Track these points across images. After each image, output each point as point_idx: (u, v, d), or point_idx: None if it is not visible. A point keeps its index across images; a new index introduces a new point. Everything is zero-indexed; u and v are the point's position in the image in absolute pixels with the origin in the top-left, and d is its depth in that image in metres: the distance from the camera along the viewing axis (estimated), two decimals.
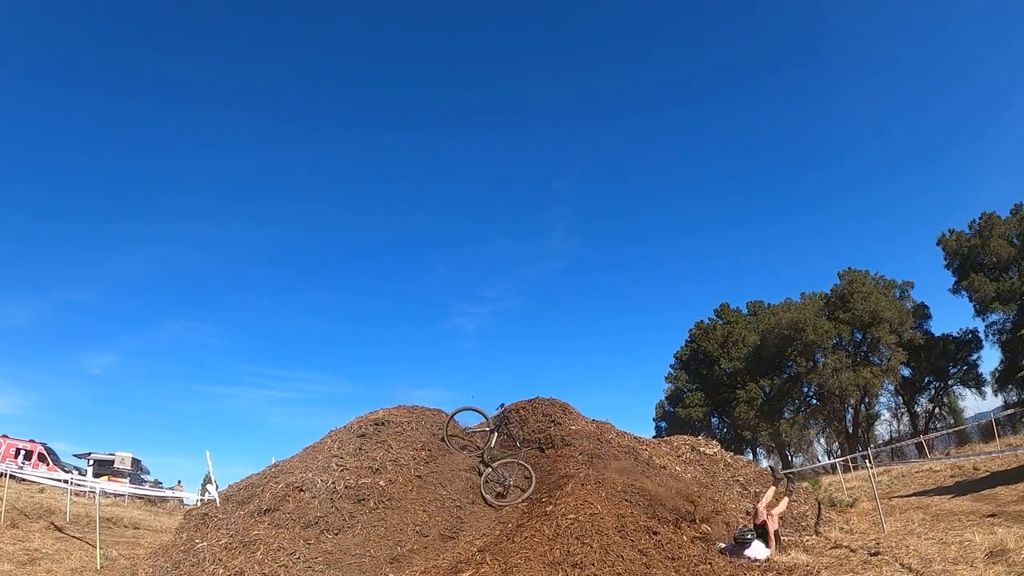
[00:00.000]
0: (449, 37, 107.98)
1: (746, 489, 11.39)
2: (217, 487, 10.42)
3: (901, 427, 40.03)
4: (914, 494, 14.06)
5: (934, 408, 38.82)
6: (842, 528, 10.41)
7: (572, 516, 6.89)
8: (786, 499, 8.96)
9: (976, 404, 37.71)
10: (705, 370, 43.36)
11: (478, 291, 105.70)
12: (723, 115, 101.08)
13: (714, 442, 13.73)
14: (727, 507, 9.78)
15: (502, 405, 10.47)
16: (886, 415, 41.12)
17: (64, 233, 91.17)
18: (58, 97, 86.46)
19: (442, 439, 9.93)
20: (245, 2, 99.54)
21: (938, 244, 36.23)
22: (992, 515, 8.85)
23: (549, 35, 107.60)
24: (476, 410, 10.49)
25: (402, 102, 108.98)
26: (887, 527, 8.83)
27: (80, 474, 24.22)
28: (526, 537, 6.68)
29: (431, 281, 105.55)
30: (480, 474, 9.05)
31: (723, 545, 7.58)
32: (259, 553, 7.13)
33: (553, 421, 10.62)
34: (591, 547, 6.20)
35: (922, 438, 29.17)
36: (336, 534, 7.51)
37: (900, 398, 39.35)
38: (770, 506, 8.22)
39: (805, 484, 15.27)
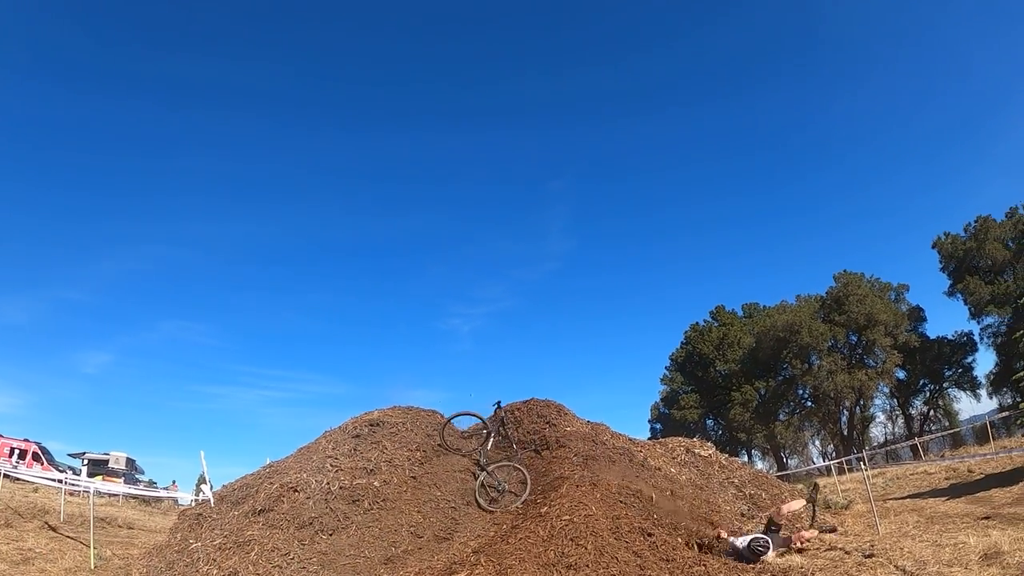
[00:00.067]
0: (446, 37, 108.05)
1: (741, 491, 11.40)
2: (211, 487, 10.42)
3: (896, 429, 40.12)
4: (909, 496, 14.10)
5: (929, 411, 38.97)
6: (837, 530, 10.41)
7: (567, 517, 6.88)
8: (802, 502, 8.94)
9: (971, 407, 37.77)
10: (700, 372, 43.44)
11: (474, 292, 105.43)
12: (718, 116, 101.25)
13: (709, 444, 13.77)
14: (721, 509, 9.80)
15: (498, 403, 10.45)
16: (881, 417, 41.29)
17: (59, 232, 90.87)
18: (57, 96, 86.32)
19: (438, 444, 9.92)
20: (245, 2, 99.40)
21: (933, 247, 36.48)
22: (987, 517, 8.87)
23: (545, 35, 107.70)
24: (472, 414, 10.49)
25: (398, 102, 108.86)
26: (882, 529, 8.84)
27: (74, 474, 24.12)
28: (521, 538, 6.68)
29: (427, 281, 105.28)
30: (475, 477, 9.04)
31: (734, 546, 7.55)
32: (253, 553, 7.13)
33: (548, 422, 10.62)
34: (586, 548, 6.20)
35: (917, 440, 29.31)
36: (330, 535, 7.50)
37: (895, 400, 39.48)
38: (794, 518, 8.08)
39: (800, 486, 15.32)
